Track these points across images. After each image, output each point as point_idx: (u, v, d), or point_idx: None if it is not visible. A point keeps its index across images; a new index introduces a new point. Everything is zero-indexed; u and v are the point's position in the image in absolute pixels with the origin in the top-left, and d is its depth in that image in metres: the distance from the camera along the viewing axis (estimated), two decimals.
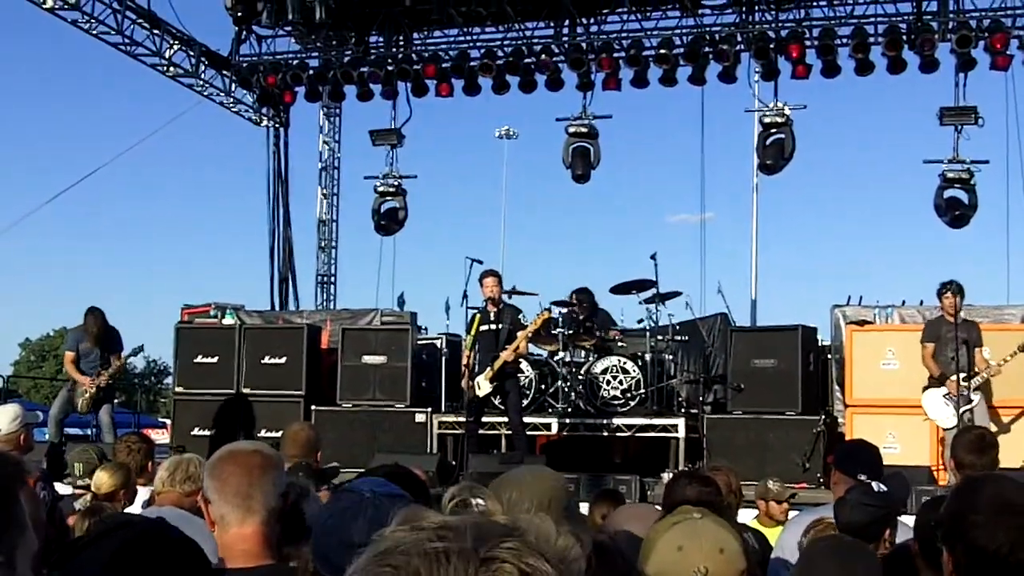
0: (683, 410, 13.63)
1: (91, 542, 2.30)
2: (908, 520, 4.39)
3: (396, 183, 17.31)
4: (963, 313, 11.36)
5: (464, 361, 11.84)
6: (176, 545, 2.31)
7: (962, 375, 11.03)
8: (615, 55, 15.85)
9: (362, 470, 9.23)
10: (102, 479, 6.34)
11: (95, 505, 5.91)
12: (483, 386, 11.59)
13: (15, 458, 1.94)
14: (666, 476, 12.14)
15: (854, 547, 3.53)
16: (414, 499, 4.17)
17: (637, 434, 13.10)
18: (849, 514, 4.10)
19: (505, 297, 12.08)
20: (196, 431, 14.37)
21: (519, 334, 11.52)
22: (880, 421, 11.66)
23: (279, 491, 2.96)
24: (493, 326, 11.56)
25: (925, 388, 11.43)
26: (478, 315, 11.68)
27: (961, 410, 11.04)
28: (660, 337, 13.55)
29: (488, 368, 11.51)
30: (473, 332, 11.63)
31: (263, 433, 13.84)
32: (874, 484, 4.24)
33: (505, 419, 12.38)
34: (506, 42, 16.69)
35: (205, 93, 18.57)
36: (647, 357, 13.28)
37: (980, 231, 24.42)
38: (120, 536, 2.28)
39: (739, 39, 15.51)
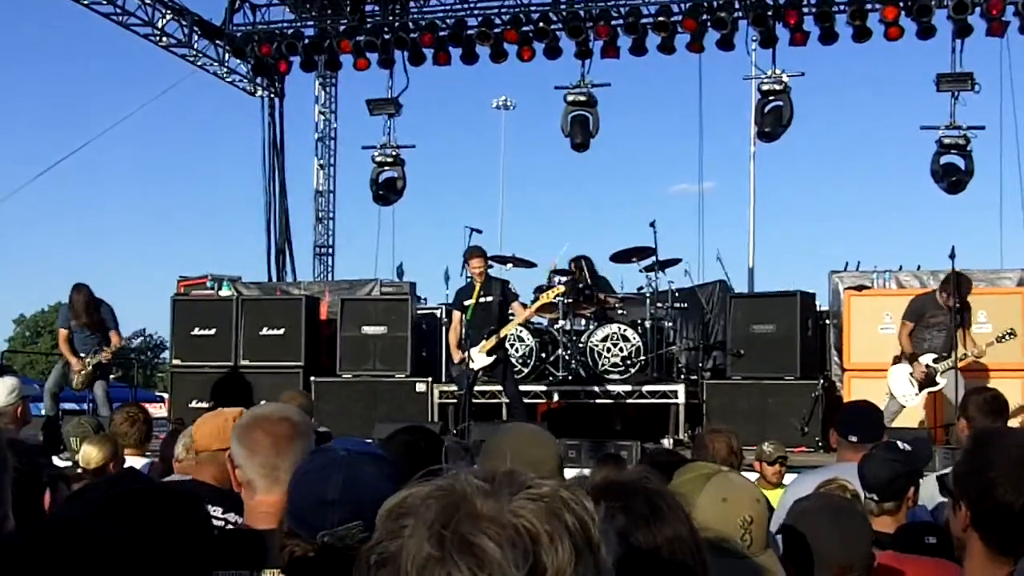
0: (683, 376, 13.68)
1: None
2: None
3: (394, 153, 17.24)
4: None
5: (454, 337, 11.76)
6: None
7: (932, 357, 10.96)
8: (613, 23, 15.79)
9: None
10: (90, 453, 6.25)
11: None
12: (478, 359, 11.56)
13: None
14: (666, 442, 12.20)
15: (845, 505, 3.56)
16: (427, 453, 4.20)
17: (637, 401, 13.14)
18: (875, 469, 4.15)
19: (489, 271, 12.02)
20: (194, 404, 14.26)
21: (540, 297, 11.77)
22: (878, 385, 11.62)
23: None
24: (484, 299, 11.54)
25: (896, 360, 11.30)
26: (467, 292, 11.68)
27: (924, 391, 11.07)
28: (660, 304, 13.56)
29: (484, 340, 11.46)
30: (471, 308, 11.55)
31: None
32: (899, 443, 4.31)
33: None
34: (503, 10, 16.61)
35: (198, 63, 18.46)
36: (647, 324, 13.28)
37: (976, 196, 24.43)
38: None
39: (737, 6, 15.42)
